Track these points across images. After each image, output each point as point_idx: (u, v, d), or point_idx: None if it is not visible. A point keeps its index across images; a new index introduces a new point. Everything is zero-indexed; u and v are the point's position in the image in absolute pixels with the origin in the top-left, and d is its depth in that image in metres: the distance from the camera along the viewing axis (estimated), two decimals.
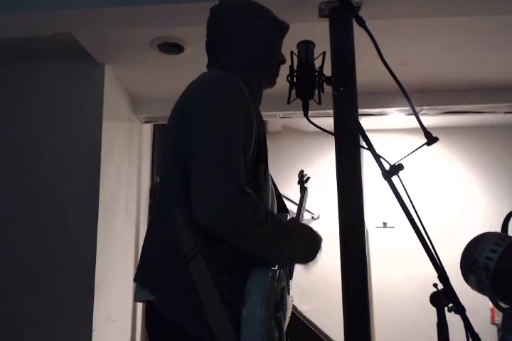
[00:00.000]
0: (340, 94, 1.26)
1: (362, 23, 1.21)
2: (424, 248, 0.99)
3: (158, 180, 1.30)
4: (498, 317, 3.65)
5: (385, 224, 3.98)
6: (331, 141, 1.87)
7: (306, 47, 1.28)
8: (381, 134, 3.89)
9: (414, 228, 1.00)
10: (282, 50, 1.36)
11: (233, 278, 1.07)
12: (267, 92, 1.37)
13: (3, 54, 2.61)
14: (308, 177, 2.77)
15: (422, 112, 3.15)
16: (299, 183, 2.76)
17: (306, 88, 1.25)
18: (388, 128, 4.03)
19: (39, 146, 2.63)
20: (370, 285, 3.56)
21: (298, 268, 1.62)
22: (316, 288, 3.76)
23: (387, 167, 1.06)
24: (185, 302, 1.05)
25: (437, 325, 1.01)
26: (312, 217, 4.01)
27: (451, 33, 2.42)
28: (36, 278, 2.48)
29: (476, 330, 0.93)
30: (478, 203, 4.01)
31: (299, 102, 1.27)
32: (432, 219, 3.69)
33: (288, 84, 1.28)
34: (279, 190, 1.36)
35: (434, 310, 1.00)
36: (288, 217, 1.34)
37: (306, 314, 3.55)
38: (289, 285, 1.33)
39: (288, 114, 3.24)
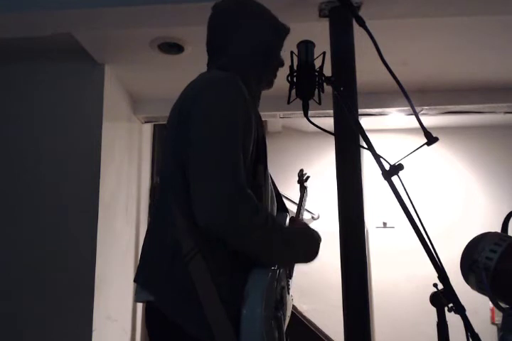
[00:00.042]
0: (340, 94, 1.26)
1: (362, 23, 1.21)
2: (424, 248, 0.99)
3: (159, 180, 1.30)
4: (498, 317, 3.65)
5: (385, 224, 3.98)
6: (331, 141, 1.87)
7: (306, 47, 1.28)
8: (381, 134, 3.89)
9: (414, 228, 1.00)
10: (282, 50, 1.36)
11: (233, 278, 1.06)
12: (267, 92, 1.37)
13: (3, 54, 2.61)
14: (308, 177, 2.76)
15: (422, 112, 3.16)
16: (298, 182, 2.76)
17: (306, 88, 1.25)
18: (388, 128, 4.03)
19: (39, 146, 2.63)
20: (370, 285, 3.56)
21: (298, 267, 1.62)
22: (316, 288, 3.76)
23: (387, 167, 1.06)
24: (185, 303, 1.05)
25: (437, 325, 1.01)
26: (312, 217, 4.01)
27: (451, 33, 2.42)
28: (36, 278, 2.48)
29: (476, 330, 0.93)
30: (478, 203, 4.01)
31: (299, 102, 1.27)
32: (432, 219, 3.69)
33: (288, 84, 1.28)
34: (279, 190, 1.36)
35: (434, 310, 1.00)
36: (288, 217, 1.34)
37: (306, 314, 3.55)
38: (288, 285, 1.33)
39: (288, 114, 3.24)
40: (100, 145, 2.60)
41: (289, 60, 1.29)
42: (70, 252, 2.50)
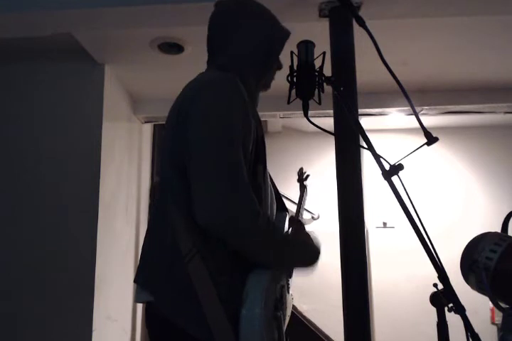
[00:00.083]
0: (340, 94, 1.25)
1: (362, 23, 1.21)
2: (424, 248, 0.99)
3: (158, 180, 1.30)
4: (498, 317, 3.65)
5: (385, 224, 3.98)
6: (331, 141, 1.87)
7: (306, 47, 1.28)
8: (381, 134, 3.89)
9: (414, 228, 1.00)
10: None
11: (232, 278, 1.06)
12: (267, 92, 1.37)
13: (3, 54, 2.61)
14: (308, 175, 2.76)
15: (422, 112, 3.16)
16: (298, 181, 2.75)
17: (306, 88, 1.25)
18: (388, 128, 4.04)
19: (39, 146, 2.63)
20: (370, 285, 3.56)
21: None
22: (316, 288, 3.76)
23: (387, 167, 1.06)
24: (184, 303, 1.05)
25: (437, 325, 1.01)
26: (312, 217, 4.00)
27: (451, 33, 2.42)
28: (36, 278, 2.48)
29: (476, 330, 0.93)
30: (478, 203, 4.01)
31: (299, 102, 1.27)
32: (432, 219, 3.69)
33: (288, 84, 1.28)
34: (279, 190, 1.36)
35: (434, 310, 1.00)
36: (287, 216, 1.34)
37: (306, 314, 3.55)
38: (288, 284, 1.32)
39: (288, 114, 3.24)
40: (100, 145, 2.60)
41: (289, 60, 1.29)
42: (70, 252, 2.50)
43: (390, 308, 3.76)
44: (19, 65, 2.71)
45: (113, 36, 2.42)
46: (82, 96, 2.68)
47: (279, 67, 1.35)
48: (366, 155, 1.33)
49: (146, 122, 3.40)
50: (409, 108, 2.80)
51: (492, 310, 3.70)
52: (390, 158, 1.07)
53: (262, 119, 1.31)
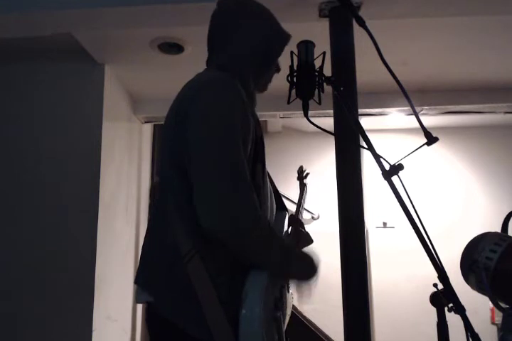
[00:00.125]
0: (340, 94, 1.26)
1: (362, 23, 1.21)
2: (424, 248, 0.99)
3: (158, 179, 1.30)
4: (498, 317, 3.65)
5: (385, 224, 3.98)
6: (331, 141, 1.87)
7: (306, 47, 1.28)
8: (381, 134, 3.89)
9: (414, 228, 1.00)
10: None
11: (232, 278, 1.06)
12: (267, 92, 1.37)
13: (3, 54, 2.61)
14: (308, 173, 2.75)
15: (422, 112, 3.16)
16: (298, 179, 2.75)
17: (306, 88, 1.25)
18: (388, 128, 4.03)
19: (39, 146, 2.63)
20: (370, 285, 3.56)
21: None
22: (316, 288, 3.75)
23: (387, 167, 1.06)
24: (184, 304, 1.05)
25: (437, 325, 1.01)
26: (312, 217, 4.00)
27: (451, 33, 2.42)
28: (36, 278, 2.48)
29: (476, 330, 0.93)
30: (478, 203, 4.01)
31: (299, 102, 1.27)
32: (432, 219, 3.69)
33: (288, 84, 1.28)
34: (279, 190, 1.36)
35: (434, 310, 1.01)
36: (287, 215, 1.34)
37: (306, 314, 3.54)
38: (288, 284, 1.32)
39: (288, 114, 3.23)
40: (100, 145, 2.60)
41: (289, 60, 1.29)
42: (70, 252, 2.50)
43: (390, 308, 3.76)
44: (19, 65, 2.71)
45: (113, 36, 2.42)
46: (82, 96, 2.68)
47: (278, 69, 1.35)
48: (366, 155, 1.33)
49: (146, 122, 3.40)
50: (409, 108, 2.81)
51: (492, 310, 3.70)
52: (390, 158, 1.07)
53: (262, 119, 1.31)
